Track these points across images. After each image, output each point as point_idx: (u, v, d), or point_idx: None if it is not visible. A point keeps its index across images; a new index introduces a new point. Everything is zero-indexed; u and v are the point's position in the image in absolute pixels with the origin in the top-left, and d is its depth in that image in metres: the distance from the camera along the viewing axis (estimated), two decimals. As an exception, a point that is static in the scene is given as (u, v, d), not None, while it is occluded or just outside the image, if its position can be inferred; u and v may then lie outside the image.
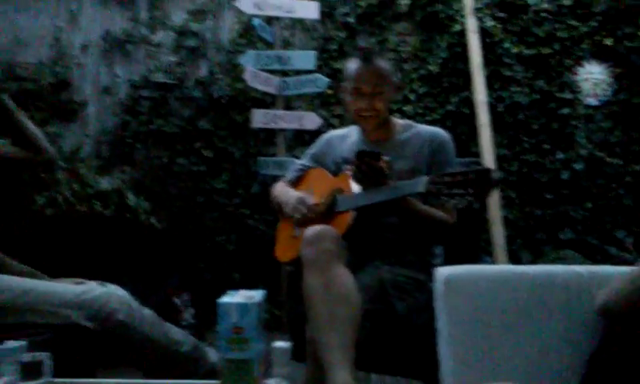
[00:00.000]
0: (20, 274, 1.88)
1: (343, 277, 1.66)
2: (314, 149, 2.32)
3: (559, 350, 1.48)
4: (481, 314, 1.51)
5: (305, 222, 1.99)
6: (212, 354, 2.02)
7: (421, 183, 1.72)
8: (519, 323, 1.50)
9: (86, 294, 1.86)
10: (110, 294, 1.89)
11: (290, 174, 2.34)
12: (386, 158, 1.87)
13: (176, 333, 1.99)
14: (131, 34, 4.13)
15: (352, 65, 2.08)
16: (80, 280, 2.03)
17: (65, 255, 2.78)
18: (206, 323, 3.40)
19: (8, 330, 1.54)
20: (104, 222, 3.25)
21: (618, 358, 1.33)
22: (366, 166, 1.85)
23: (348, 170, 1.97)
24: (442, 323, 1.54)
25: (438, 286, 1.56)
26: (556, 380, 1.44)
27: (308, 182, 2.22)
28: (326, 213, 1.99)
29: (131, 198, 3.34)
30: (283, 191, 2.22)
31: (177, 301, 3.32)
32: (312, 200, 2.04)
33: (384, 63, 2.09)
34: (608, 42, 4.11)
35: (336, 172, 2.15)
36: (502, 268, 2.03)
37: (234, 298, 1.23)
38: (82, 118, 4.08)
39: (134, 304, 1.93)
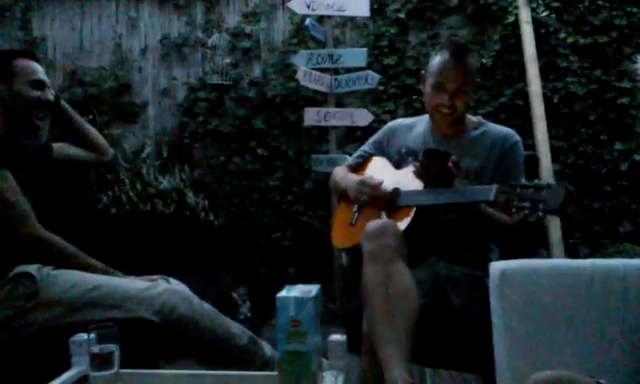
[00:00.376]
0: (94, 270, 1.97)
1: (402, 272, 1.67)
2: (378, 136, 2.27)
3: (617, 345, 1.46)
4: (536, 308, 1.51)
5: (367, 202, 1.98)
6: (267, 348, 2.07)
7: (490, 192, 1.67)
8: (575, 317, 1.49)
9: (150, 290, 1.94)
10: (173, 289, 1.96)
11: (352, 160, 2.31)
12: (454, 158, 1.82)
13: (234, 326, 2.05)
14: (187, 37, 4.26)
15: (439, 57, 2.01)
16: (150, 277, 2.13)
17: (128, 252, 2.89)
18: (263, 317, 3.48)
19: (78, 325, 1.62)
20: (165, 220, 3.37)
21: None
22: (433, 165, 1.81)
23: (412, 165, 1.92)
24: (498, 317, 1.54)
25: (493, 280, 1.56)
26: (614, 375, 1.43)
27: (369, 170, 2.18)
28: (387, 205, 1.98)
29: (190, 197, 3.45)
30: (345, 176, 2.19)
31: (234, 295, 3.41)
32: (374, 180, 1.98)
33: (473, 61, 2.03)
34: (669, 28, 3.97)
35: (399, 162, 2.12)
36: (557, 262, 2.01)
37: (291, 292, 1.27)
38: (143, 120, 4.25)
39: (195, 299, 2.01)
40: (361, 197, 2.00)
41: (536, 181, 1.62)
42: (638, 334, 1.45)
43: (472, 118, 2.14)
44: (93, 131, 2.22)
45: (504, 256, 2.06)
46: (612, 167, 4.02)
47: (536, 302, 1.51)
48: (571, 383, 1.13)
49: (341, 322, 2.66)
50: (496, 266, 1.58)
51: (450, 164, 1.80)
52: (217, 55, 4.11)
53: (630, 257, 3.50)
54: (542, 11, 4.00)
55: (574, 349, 1.46)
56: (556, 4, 4.05)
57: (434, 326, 1.83)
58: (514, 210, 1.60)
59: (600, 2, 4.04)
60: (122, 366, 1.43)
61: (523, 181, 1.66)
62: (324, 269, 3.66)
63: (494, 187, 1.66)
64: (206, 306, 2.02)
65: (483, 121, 2.14)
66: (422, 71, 2.11)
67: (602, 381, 1.18)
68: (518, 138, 2.07)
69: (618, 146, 4.01)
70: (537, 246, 3.58)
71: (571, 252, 3.89)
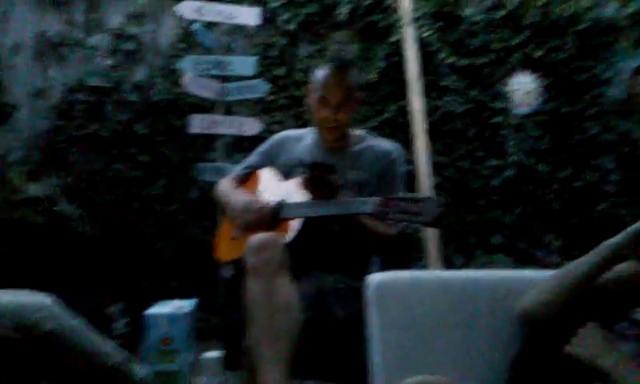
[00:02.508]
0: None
1: (286, 287, 1.67)
2: (265, 146, 2.28)
3: (486, 354, 1.53)
4: (411, 319, 1.55)
5: (249, 226, 1.97)
6: (141, 369, 2.00)
7: (370, 203, 1.73)
8: (447, 327, 1.55)
9: (11, 303, 1.81)
10: (38, 302, 1.84)
11: (238, 171, 2.29)
12: (338, 172, 1.87)
13: (106, 345, 1.96)
14: (66, 36, 4.02)
15: (322, 72, 2.08)
16: (7, 291, 1.97)
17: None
18: (141, 332, 3.34)
19: None
20: (34, 230, 3.15)
21: (537, 362, 1.40)
22: (318, 177, 1.85)
23: (299, 177, 1.96)
24: (374, 329, 1.57)
25: (370, 293, 1.59)
26: (482, 381, 1.50)
27: (256, 182, 2.18)
28: (272, 218, 1.98)
29: (63, 205, 3.24)
30: (229, 191, 2.17)
31: (110, 310, 3.24)
32: (257, 205, 1.98)
33: (354, 77, 2.10)
34: (538, 53, 4.29)
35: (286, 173, 2.13)
36: (433, 273, 2.10)
37: (162, 308, 1.22)
38: (13, 122, 3.94)
39: (64, 314, 1.89)
40: (245, 221, 1.98)
41: (414, 194, 1.68)
42: (504, 341, 1.53)
43: (357, 132, 2.22)
44: None
45: (384, 268, 2.11)
46: (485, 182, 4.26)
47: (411, 312, 1.55)
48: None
49: (222, 337, 2.60)
50: (372, 278, 1.61)
51: (335, 177, 1.85)
52: (97, 56, 3.91)
53: (501, 266, 3.73)
54: (426, 31, 4.18)
55: (446, 357, 1.52)
56: (438, 25, 4.24)
57: (317, 338, 1.84)
58: (392, 221, 1.64)
59: (478, 26, 4.28)
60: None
61: (401, 194, 1.72)
62: (208, 281, 3.56)
63: (374, 200, 1.72)
64: (76, 321, 1.91)
65: (368, 136, 2.22)
66: (309, 85, 2.14)
67: None
68: (399, 152, 2.16)
69: (491, 162, 4.27)
70: (414, 256, 3.74)
71: (448, 261, 4.08)
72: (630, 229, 1.38)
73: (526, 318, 1.44)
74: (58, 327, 1.82)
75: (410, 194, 1.69)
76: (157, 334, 1.16)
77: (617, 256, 1.39)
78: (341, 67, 2.07)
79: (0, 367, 1.66)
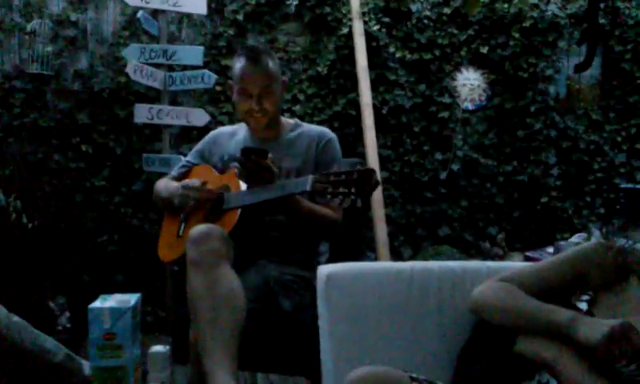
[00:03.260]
0: None
1: (228, 278, 1.65)
2: (200, 145, 2.28)
3: (434, 345, 1.55)
4: (360, 310, 1.55)
5: (192, 213, 1.94)
6: (85, 366, 1.94)
7: (307, 182, 1.73)
8: (397, 318, 1.56)
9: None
10: (-27, 300, 1.76)
11: (175, 171, 2.28)
12: (271, 155, 1.87)
13: (48, 341, 1.89)
14: (2, 20, 3.84)
15: (238, 64, 2.06)
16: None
17: None
18: (84, 328, 3.23)
19: None
20: (-32, 223, 3.01)
21: (487, 350, 1.42)
22: (252, 163, 1.84)
23: (234, 168, 1.95)
24: (324, 320, 1.56)
25: (320, 284, 1.59)
26: (431, 373, 1.51)
27: (193, 178, 2.16)
28: (212, 211, 1.96)
29: (0, 197, 3.10)
30: (167, 186, 2.15)
31: (52, 305, 3.13)
32: (198, 181, 1.99)
33: (271, 62, 2.07)
34: (484, 49, 4.38)
35: (222, 169, 2.13)
36: (381, 265, 2.11)
37: (105, 302, 1.18)
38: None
39: (2, 311, 1.81)
40: (187, 201, 1.98)
41: (347, 168, 1.69)
42: (452, 333, 1.55)
43: (288, 120, 2.24)
44: None
45: (332, 258, 2.12)
46: (433, 176, 4.33)
47: (360, 303, 1.55)
48: (385, 377, 1.18)
49: (169, 331, 2.55)
50: (322, 270, 1.61)
51: (268, 161, 1.85)
52: (37, 42, 3.75)
53: (448, 258, 3.81)
54: (374, 25, 4.20)
55: (395, 347, 1.53)
56: (387, 19, 4.27)
57: (263, 330, 1.83)
58: (329, 196, 1.65)
59: (426, 22, 4.33)
60: None
61: (336, 169, 1.73)
62: (155, 275, 3.49)
63: (310, 177, 1.73)
64: (15, 318, 1.83)
65: (300, 123, 2.24)
66: (229, 81, 2.14)
67: (413, 375, 1.23)
68: (332, 135, 2.19)
69: (438, 156, 4.34)
70: (364, 247, 3.77)
71: (396, 253, 4.13)
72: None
73: (477, 310, 1.46)
74: (-4, 324, 1.74)
75: (343, 169, 1.70)
76: (100, 328, 1.12)
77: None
78: (255, 55, 2.04)
79: None
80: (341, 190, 1.63)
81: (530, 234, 4.45)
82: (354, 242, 2.31)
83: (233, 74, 2.09)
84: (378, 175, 2.17)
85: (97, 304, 1.16)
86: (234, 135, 2.22)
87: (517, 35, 4.38)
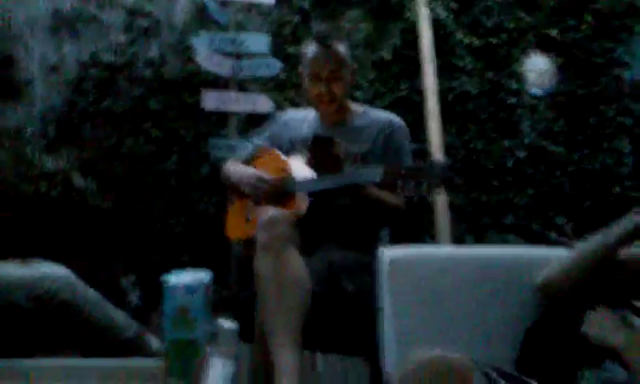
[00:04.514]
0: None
1: (295, 262, 1.68)
2: (269, 128, 2.31)
3: (498, 327, 1.55)
4: (423, 294, 1.56)
5: (260, 200, 1.99)
6: (154, 342, 2.02)
7: (377, 173, 1.74)
8: (460, 302, 1.56)
9: (28, 275, 1.83)
10: (55, 274, 1.86)
11: (244, 152, 2.31)
12: (340, 143, 1.88)
13: (120, 317, 1.98)
14: (80, 12, 4.02)
15: (309, 49, 2.08)
16: (23, 260, 2.00)
17: (9, 236, 2.71)
18: (153, 305, 3.37)
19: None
20: (49, 203, 3.18)
21: (551, 335, 1.41)
22: (321, 151, 1.86)
23: (303, 154, 1.98)
24: (386, 303, 1.58)
25: (383, 267, 1.61)
26: (495, 355, 1.51)
27: (261, 162, 2.19)
28: (280, 195, 1.99)
29: (78, 179, 3.27)
30: (237, 169, 2.19)
31: (123, 282, 3.28)
32: (269, 177, 2.02)
33: (341, 47, 2.09)
34: (553, 33, 4.24)
35: (290, 153, 2.14)
36: (445, 249, 2.10)
37: (180, 278, 1.24)
38: (28, 97, 3.96)
39: (79, 284, 1.91)
40: (257, 193, 2.02)
41: (419, 161, 1.69)
42: (516, 317, 1.54)
43: (357, 106, 2.23)
44: None
45: (393, 243, 2.13)
46: (499, 163, 4.24)
47: (423, 287, 1.56)
48: (446, 361, 1.19)
49: (234, 310, 2.63)
50: (385, 253, 1.62)
51: (337, 149, 1.86)
52: (111, 33, 3.91)
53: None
54: (440, 10, 4.14)
55: (458, 330, 1.53)
56: (453, 4, 4.20)
57: (325, 311, 1.86)
58: (399, 189, 1.65)
59: (492, 6, 4.23)
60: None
61: (407, 161, 1.73)
62: (220, 256, 3.59)
63: (380, 168, 1.73)
64: (91, 293, 1.94)
65: (369, 108, 2.24)
66: (300, 68, 2.16)
67: (476, 359, 1.24)
68: (401, 122, 2.18)
69: (505, 143, 4.24)
70: (423, 232, 3.73)
71: (459, 242, 4.07)
72: None
73: (544, 289, 1.45)
74: (73, 298, 1.84)
75: (415, 162, 1.70)
76: (174, 303, 1.18)
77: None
78: (325, 40, 2.06)
79: (14, 336, 1.69)
80: (410, 183, 1.63)
81: (601, 224, 4.29)
82: (414, 229, 2.31)
83: (303, 59, 2.11)
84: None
85: (171, 279, 1.22)
86: (303, 119, 2.23)
87: (589, 18, 4.21)
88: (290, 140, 2.18)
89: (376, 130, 2.11)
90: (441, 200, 3.69)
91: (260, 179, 2.02)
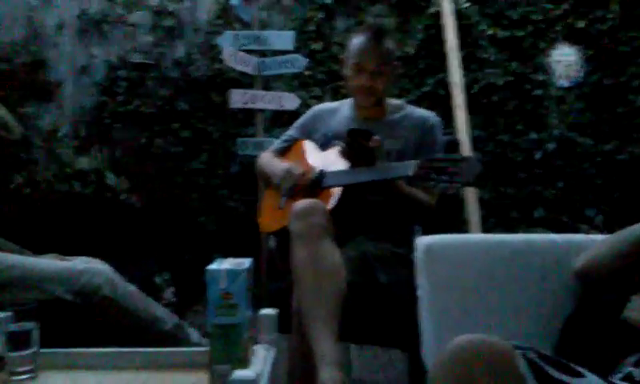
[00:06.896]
0: (6, 250, 1.88)
1: (330, 251, 1.70)
2: (303, 120, 2.31)
3: (536, 314, 1.54)
4: (460, 281, 1.56)
5: (292, 193, 2.00)
6: (194, 335, 2.04)
7: (410, 167, 1.73)
8: (497, 289, 1.55)
9: (69, 269, 1.87)
10: (95, 269, 1.90)
11: (278, 144, 2.33)
12: (376, 138, 1.88)
13: (159, 310, 2.01)
14: (108, 13, 4.09)
15: (357, 40, 2.09)
16: (63, 256, 2.04)
17: (45, 234, 2.77)
18: (186, 303, 3.42)
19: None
20: (84, 201, 3.24)
21: (592, 320, 1.40)
22: (356, 144, 1.87)
23: (337, 146, 1.99)
24: (423, 290, 1.58)
25: (419, 255, 1.61)
26: (534, 342, 1.50)
27: (295, 154, 2.21)
28: (313, 186, 2.01)
29: (110, 178, 3.33)
30: (270, 162, 2.21)
31: (157, 280, 3.33)
32: (299, 170, 2.03)
33: (390, 44, 2.10)
34: (580, 24, 4.19)
35: (324, 145, 2.16)
36: (481, 236, 2.10)
37: (222, 264, 1.26)
38: (59, 98, 4.04)
39: (119, 280, 1.95)
40: (289, 186, 2.03)
41: (452, 155, 1.68)
42: (555, 304, 1.53)
43: (394, 102, 2.23)
44: None
45: (426, 235, 2.13)
46: (527, 156, 4.21)
47: (461, 274, 1.56)
48: (489, 345, 1.18)
49: (266, 307, 2.65)
50: (422, 241, 1.62)
51: (373, 143, 1.86)
52: (138, 33, 3.97)
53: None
54: (464, 3, 4.12)
55: (497, 318, 1.53)
56: (477, -3, 4.19)
57: (360, 302, 1.86)
58: (432, 183, 1.65)
59: (517, -3, 4.21)
60: (42, 347, 1.37)
61: (440, 155, 1.72)
62: (250, 254, 3.58)
63: (414, 163, 1.72)
64: (131, 287, 1.97)
65: (405, 105, 2.24)
66: (344, 55, 2.16)
67: (516, 343, 1.23)
68: (436, 119, 2.17)
69: (532, 135, 4.21)
70: (456, 228, 3.72)
71: (488, 236, 4.05)
72: None
73: (583, 275, 1.44)
74: (114, 293, 1.87)
75: (448, 155, 1.69)
76: (217, 288, 1.20)
77: None
78: (376, 34, 2.07)
79: (56, 329, 1.72)
80: (443, 178, 1.62)
81: (632, 216, 4.23)
82: (445, 224, 2.30)
83: (350, 49, 2.10)
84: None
85: (214, 266, 1.24)
86: (337, 112, 2.24)
87: (616, 8, 4.16)
88: (324, 133, 2.19)
89: (411, 127, 2.12)
90: (471, 195, 3.68)
91: (288, 172, 2.03)
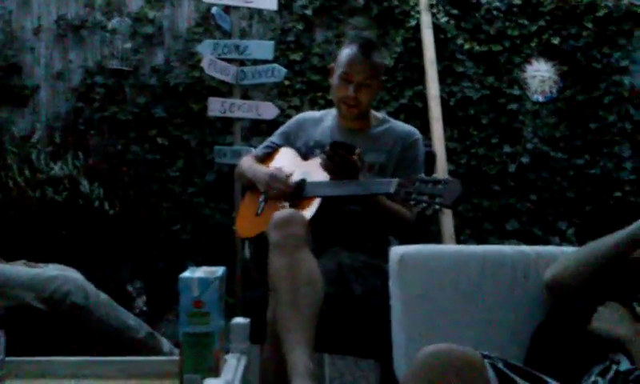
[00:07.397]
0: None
1: (308, 261, 1.69)
2: (286, 128, 2.30)
3: (506, 324, 1.56)
4: (433, 291, 1.58)
5: (273, 198, 2.00)
6: (166, 344, 2.03)
7: (391, 184, 1.74)
8: (469, 299, 1.57)
9: (39, 276, 1.85)
10: (66, 276, 1.88)
11: (259, 150, 2.32)
12: (358, 151, 1.88)
13: (131, 319, 2.00)
14: (86, 19, 4.06)
15: (348, 50, 2.08)
16: (33, 263, 2.01)
17: (16, 240, 2.73)
18: (159, 312, 3.39)
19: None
20: (56, 208, 3.20)
21: (561, 330, 1.42)
22: (339, 157, 1.86)
23: (319, 157, 1.98)
24: (396, 300, 1.60)
25: (392, 265, 1.62)
26: (503, 352, 1.52)
27: (276, 161, 2.20)
28: (294, 195, 2.00)
29: (84, 185, 3.29)
30: (252, 166, 2.20)
31: (130, 288, 3.29)
32: (283, 175, 2.02)
33: (379, 59, 2.12)
34: (555, 40, 4.28)
35: (306, 154, 2.15)
36: (454, 247, 2.12)
37: (194, 272, 1.25)
38: (34, 104, 4.00)
39: (90, 288, 1.93)
40: (270, 191, 2.03)
41: (434, 176, 1.70)
42: (525, 314, 1.55)
43: (377, 115, 2.23)
44: None
45: (401, 245, 2.14)
46: (501, 169, 4.27)
47: (433, 284, 1.58)
48: (458, 354, 1.20)
49: (240, 316, 2.65)
50: (395, 251, 1.64)
51: (355, 157, 1.86)
52: (117, 39, 3.95)
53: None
54: (442, 17, 4.19)
55: (467, 328, 1.54)
56: (455, 11, 4.24)
57: (335, 313, 1.86)
58: (412, 202, 1.66)
59: (495, 13, 4.28)
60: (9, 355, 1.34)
61: (422, 176, 1.73)
62: (225, 263, 3.57)
63: (395, 181, 1.74)
64: (103, 295, 1.95)
65: (387, 118, 2.24)
66: (332, 64, 2.17)
67: (485, 353, 1.25)
68: (418, 135, 2.18)
69: (506, 148, 4.27)
70: (430, 237, 3.75)
71: (463, 247, 4.09)
72: None
73: (553, 286, 1.47)
74: (85, 301, 1.85)
75: (430, 177, 1.70)
76: (189, 296, 1.19)
77: None
78: (366, 46, 2.07)
79: (26, 337, 1.69)
80: (424, 198, 1.63)
81: (602, 229, 4.30)
82: (420, 236, 2.32)
83: (339, 59, 2.10)
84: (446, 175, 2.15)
85: (186, 274, 1.24)
86: (321, 121, 2.24)
87: (590, 25, 4.26)
88: (306, 142, 2.19)
89: (393, 141, 2.12)
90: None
91: (272, 177, 2.03)
